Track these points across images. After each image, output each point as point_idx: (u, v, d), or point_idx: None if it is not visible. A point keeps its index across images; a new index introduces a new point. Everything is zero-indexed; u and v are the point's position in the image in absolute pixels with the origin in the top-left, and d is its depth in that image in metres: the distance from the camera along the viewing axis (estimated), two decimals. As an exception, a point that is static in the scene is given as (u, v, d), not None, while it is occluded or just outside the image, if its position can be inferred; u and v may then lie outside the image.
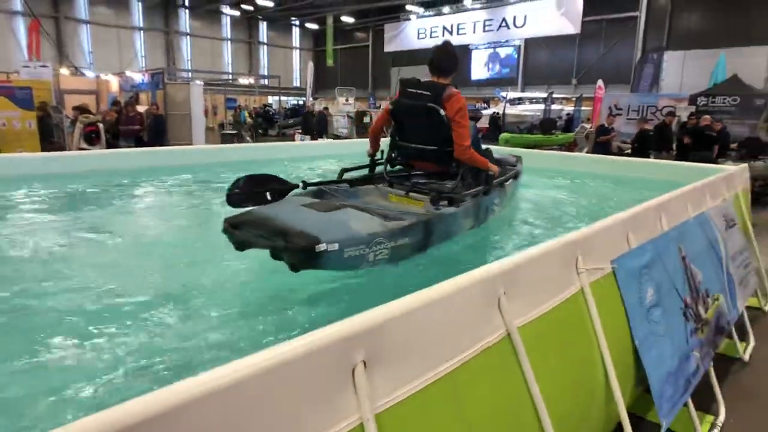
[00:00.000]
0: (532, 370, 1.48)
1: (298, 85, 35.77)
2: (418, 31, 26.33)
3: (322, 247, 1.95)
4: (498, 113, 17.17)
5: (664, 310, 2.14)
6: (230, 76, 29.73)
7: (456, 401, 1.27)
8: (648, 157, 8.56)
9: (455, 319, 1.33)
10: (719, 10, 21.45)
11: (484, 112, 19.37)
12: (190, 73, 27.23)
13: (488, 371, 1.39)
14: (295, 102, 27.44)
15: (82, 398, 1.48)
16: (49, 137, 10.58)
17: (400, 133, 3.00)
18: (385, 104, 3.02)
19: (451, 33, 25.07)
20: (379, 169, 3.27)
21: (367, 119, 18.42)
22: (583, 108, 17.74)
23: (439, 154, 2.85)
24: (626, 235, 2.21)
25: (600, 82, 15.64)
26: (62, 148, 10.33)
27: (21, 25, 24.32)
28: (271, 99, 27.71)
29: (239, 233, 2.13)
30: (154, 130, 10.51)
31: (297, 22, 36.22)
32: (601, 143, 9.71)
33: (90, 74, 21.05)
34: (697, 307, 2.37)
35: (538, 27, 21.93)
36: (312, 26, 36.08)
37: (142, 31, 30.05)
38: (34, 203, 3.77)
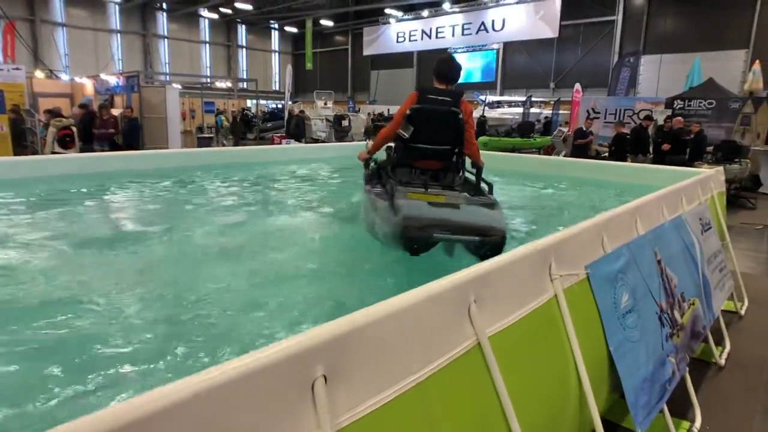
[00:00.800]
0: (503, 379, 1.44)
1: (278, 88, 35.54)
2: (397, 34, 26.44)
3: (506, 237, 2.42)
4: (485, 116, 17.27)
5: (640, 315, 2.12)
6: (208, 80, 29.37)
7: (424, 414, 1.22)
8: (625, 160, 8.67)
9: (423, 328, 1.28)
10: (695, 15, 22.01)
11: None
12: (168, 77, 26.80)
13: (458, 382, 1.34)
14: (274, 106, 27.22)
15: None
16: (22, 141, 10.35)
17: (414, 135, 3.19)
18: (398, 108, 3.19)
19: (429, 36, 25.25)
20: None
21: (345, 123, 18.34)
22: (561, 111, 17.97)
23: (449, 153, 3.26)
24: (601, 240, 2.18)
25: (577, 86, 15.85)
26: (35, 152, 10.09)
27: (-6, 28, 23.67)
28: (249, 102, 27.44)
29: (431, 234, 2.39)
30: (129, 134, 10.33)
31: (276, 26, 36.02)
32: (579, 146, 9.81)
33: (65, 77, 20.54)
34: (672, 312, 2.35)
35: (516, 31, 22.21)
36: (291, 30, 35.93)
37: (119, 34, 29.50)
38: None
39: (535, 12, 20.98)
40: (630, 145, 9.07)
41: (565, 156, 10.81)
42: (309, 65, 31.15)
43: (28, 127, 10.80)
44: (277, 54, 37.52)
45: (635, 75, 17.84)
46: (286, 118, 16.83)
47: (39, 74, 17.37)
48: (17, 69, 13.15)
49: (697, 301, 2.69)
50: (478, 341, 1.42)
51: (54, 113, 10.81)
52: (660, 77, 22.16)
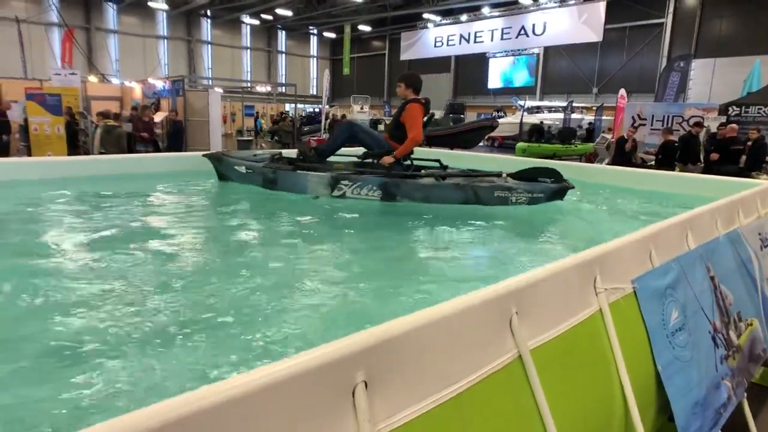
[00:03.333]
0: (545, 395, 1.39)
1: (315, 92, 36.09)
2: (434, 39, 26.40)
3: None
4: (542, 122, 16.83)
5: (690, 333, 2.00)
6: (249, 84, 30.19)
7: (462, 426, 1.19)
8: (673, 169, 8.29)
9: (463, 338, 1.26)
10: (754, 15, 20.76)
11: (501, 120, 19.09)
12: (210, 81, 27.71)
13: (498, 395, 1.30)
14: (311, 110, 27.67)
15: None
16: (75, 142, 10.87)
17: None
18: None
19: (468, 41, 25.06)
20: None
21: (381, 127, 18.42)
22: (604, 117, 17.40)
23: None
24: (649, 253, 2.09)
25: (622, 91, 15.31)
26: (87, 152, 10.57)
27: (56, 36, 25.22)
28: (288, 107, 27.98)
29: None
30: (173, 136, 10.70)
31: (315, 31, 36.65)
32: (625, 154, 9.44)
33: (116, 81, 21.58)
34: (727, 332, 2.21)
35: (558, 35, 21.72)
36: (329, 35, 36.46)
37: (165, 40, 30.76)
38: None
39: (578, 15, 20.44)
40: (679, 154, 8.67)
41: (606, 164, 10.46)
42: (346, 70, 31.49)
43: (82, 128, 11.36)
44: (315, 59, 38.18)
45: (685, 80, 17.05)
46: (324, 122, 17.04)
47: (92, 78, 18.29)
48: (73, 74, 13.91)
49: (755, 321, 2.52)
50: (519, 354, 1.38)
51: (104, 115, 11.31)
52: (713, 82, 21.11)
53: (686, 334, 1.99)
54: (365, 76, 35.91)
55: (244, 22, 33.36)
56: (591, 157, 13.50)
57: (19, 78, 16.64)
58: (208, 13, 31.70)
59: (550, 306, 1.58)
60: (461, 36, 24.96)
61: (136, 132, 9.72)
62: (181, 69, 29.44)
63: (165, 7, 28.47)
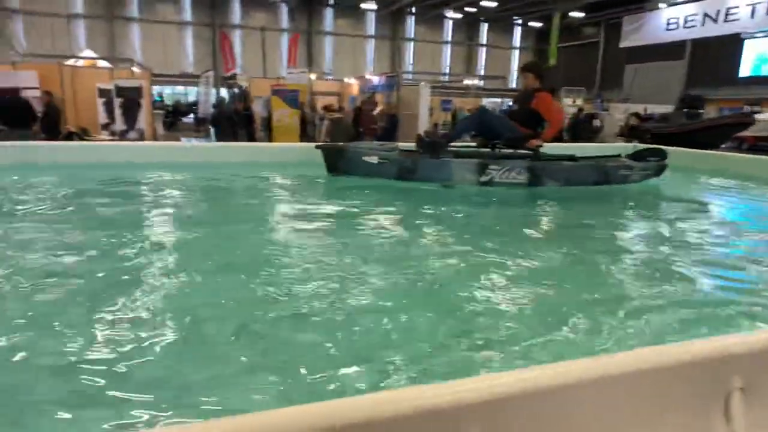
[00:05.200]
0: None
1: (515, 86, 34.54)
2: (667, 21, 22.45)
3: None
4: None
5: None
6: (447, 78, 30.48)
7: None
8: None
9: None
10: None
11: (759, 117, 15.11)
12: (411, 75, 28.77)
13: None
14: (509, 104, 26.46)
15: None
16: (305, 131, 12.23)
17: None
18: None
19: (715, 21, 20.68)
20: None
21: (597, 122, 16.49)
22: None
23: None
24: None
25: None
26: (314, 140, 11.74)
27: (284, 40, 29.31)
28: (485, 101, 27.28)
29: None
30: (388, 128, 11.10)
31: (519, 21, 35.06)
32: None
33: (329, 78, 23.97)
34: None
35: None
36: (535, 24, 34.50)
37: (373, 39, 33.06)
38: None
39: None
40: None
41: None
42: (552, 61, 29.14)
43: (311, 120, 12.71)
44: (517, 50, 36.63)
45: None
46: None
47: (312, 76, 20.50)
48: (303, 72, 15.79)
49: None
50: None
51: (328, 108, 12.43)
52: None
53: None
54: (572, 67, 32.62)
55: (446, 17, 33.68)
56: None
57: (260, 77, 19.56)
58: (413, 10, 32.87)
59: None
60: (705, 15, 20.63)
61: (363, 124, 10.25)
62: (385, 66, 31.25)
63: (375, 7, 30.43)
